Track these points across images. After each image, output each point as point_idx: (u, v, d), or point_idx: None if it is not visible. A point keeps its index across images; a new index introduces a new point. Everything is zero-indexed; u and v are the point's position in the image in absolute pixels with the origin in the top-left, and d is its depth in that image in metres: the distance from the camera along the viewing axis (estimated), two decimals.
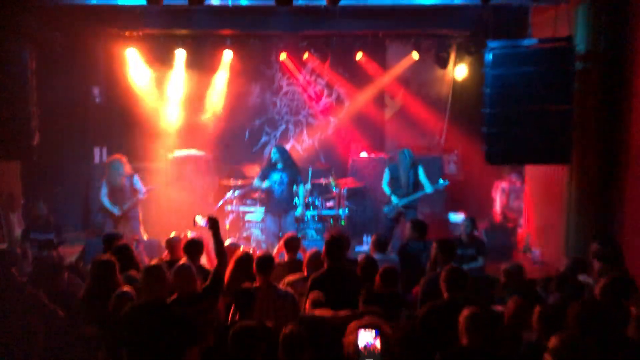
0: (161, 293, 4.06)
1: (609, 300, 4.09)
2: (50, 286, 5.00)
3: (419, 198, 8.38)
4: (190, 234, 5.73)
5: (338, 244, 5.17)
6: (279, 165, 8.27)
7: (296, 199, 8.69)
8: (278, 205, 8.33)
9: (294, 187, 8.37)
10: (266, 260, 4.83)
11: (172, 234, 6.05)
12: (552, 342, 3.32)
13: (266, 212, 8.56)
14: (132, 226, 8.39)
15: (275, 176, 8.28)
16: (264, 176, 8.38)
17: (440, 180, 8.41)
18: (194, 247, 5.39)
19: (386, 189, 8.52)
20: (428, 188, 8.22)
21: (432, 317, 4.28)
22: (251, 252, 6.41)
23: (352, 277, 5.09)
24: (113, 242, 5.82)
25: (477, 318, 3.72)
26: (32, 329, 4.25)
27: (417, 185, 8.30)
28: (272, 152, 8.37)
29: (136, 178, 8.30)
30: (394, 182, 8.43)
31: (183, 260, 4.76)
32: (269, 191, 8.32)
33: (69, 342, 4.23)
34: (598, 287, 4.21)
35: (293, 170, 8.38)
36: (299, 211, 8.43)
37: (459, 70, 10.81)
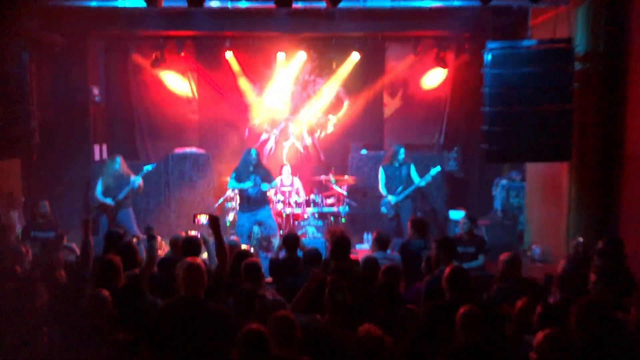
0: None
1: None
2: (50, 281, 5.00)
3: (413, 191, 8.73)
4: (193, 233, 5.74)
5: (343, 243, 5.22)
6: (252, 168, 8.44)
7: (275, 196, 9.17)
8: (254, 203, 8.53)
9: (266, 185, 8.55)
10: (252, 266, 4.76)
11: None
12: (537, 339, 3.34)
13: (241, 212, 8.69)
14: (124, 216, 8.39)
15: (249, 182, 8.44)
16: (238, 178, 8.55)
17: (432, 170, 8.62)
18: (192, 246, 5.40)
19: (383, 190, 8.80)
20: (421, 181, 8.60)
21: (433, 317, 4.26)
22: (252, 250, 6.47)
23: (356, 277, 5.09)
24: (114, 241, 5.82)
25: (473, 316, 3.71)
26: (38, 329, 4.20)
27: (410, 180, 8.68)
28: (251, 154, 8.52)
29: (132, 178, 8.30)
30: (390, 180, 8.69)
31: (191, 258, 4.77)
32: (243, 194, 8.55)
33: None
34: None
35: (264, 171, 8.59)
36: (253, 191, 8.49)
37: (458, 70, 10.83)
